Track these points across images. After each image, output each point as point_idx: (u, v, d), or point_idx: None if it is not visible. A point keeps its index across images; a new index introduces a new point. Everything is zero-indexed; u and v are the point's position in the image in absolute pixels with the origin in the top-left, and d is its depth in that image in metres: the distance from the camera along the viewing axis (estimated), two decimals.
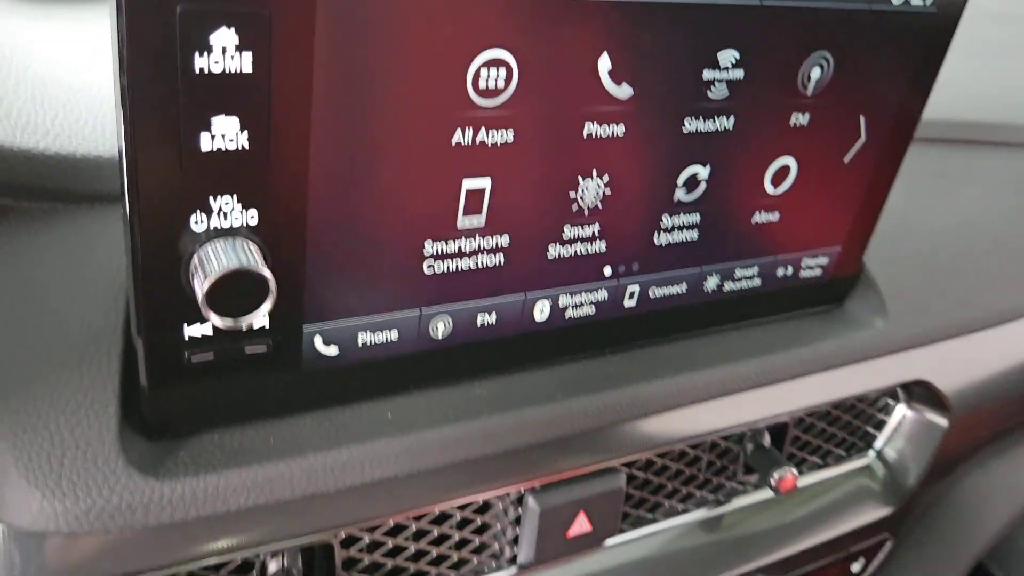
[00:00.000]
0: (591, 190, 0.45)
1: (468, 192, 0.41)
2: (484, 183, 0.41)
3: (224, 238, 0.35)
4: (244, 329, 0.38)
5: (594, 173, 0.44)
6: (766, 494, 0.64)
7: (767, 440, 0.62)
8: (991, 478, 0.79)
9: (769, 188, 0.52)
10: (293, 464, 0.41)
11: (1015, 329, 0.70)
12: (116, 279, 0.42)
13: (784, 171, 0.52)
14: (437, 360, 0.46)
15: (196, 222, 0.34)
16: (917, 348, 0.65)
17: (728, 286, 0.55)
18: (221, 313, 0.35)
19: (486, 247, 0.43)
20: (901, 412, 0.69)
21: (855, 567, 0.70)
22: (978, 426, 0.71)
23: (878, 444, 0.70)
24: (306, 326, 0.41)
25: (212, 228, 0.35)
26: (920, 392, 0.67)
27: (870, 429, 0.70)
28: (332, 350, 0.42)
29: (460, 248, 0.42)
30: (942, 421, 0.68)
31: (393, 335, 0.43)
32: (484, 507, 0.52)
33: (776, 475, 0.59)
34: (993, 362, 0.70)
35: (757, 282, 0.56)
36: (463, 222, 0.42)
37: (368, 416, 0.44)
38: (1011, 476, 0.80)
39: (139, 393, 0.39)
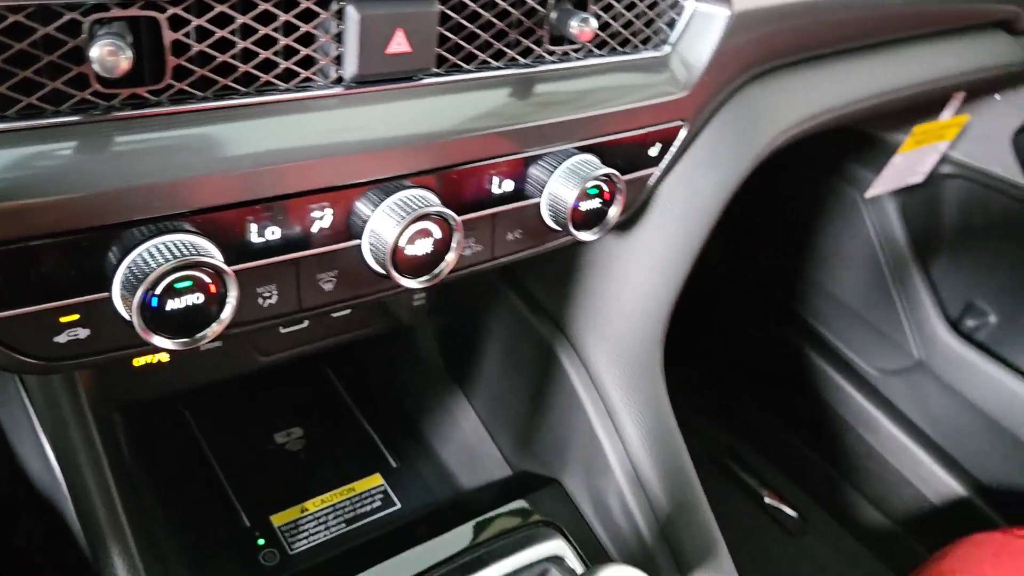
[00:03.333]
0: None
1: None
2: None
3: None
4: None
5: None
6: (570, 64, 0.72)
7: (569, 4, 0.70)
8: (772, 95, 0.91)
9: None
10: None
11: None
12: None
13: None
14: None
15: None
16: None
17: None
18: None
19: None
20: (691, 8, 0.78)
21: (652, 151, 0.81)
22: (758, 35, 0.81)
23: (672, 39, 0.79)
24: None
25: None
26: None
27: (663, 25, 0.79)
28: None
29: None
30: (723, 11, 0.77)
31: None
32: (307, 15, 0.57)
33: (575, 22, 0.66)
34: None
35: None
36: None
37: None
38: (789, 91, 0.93)
39: None
